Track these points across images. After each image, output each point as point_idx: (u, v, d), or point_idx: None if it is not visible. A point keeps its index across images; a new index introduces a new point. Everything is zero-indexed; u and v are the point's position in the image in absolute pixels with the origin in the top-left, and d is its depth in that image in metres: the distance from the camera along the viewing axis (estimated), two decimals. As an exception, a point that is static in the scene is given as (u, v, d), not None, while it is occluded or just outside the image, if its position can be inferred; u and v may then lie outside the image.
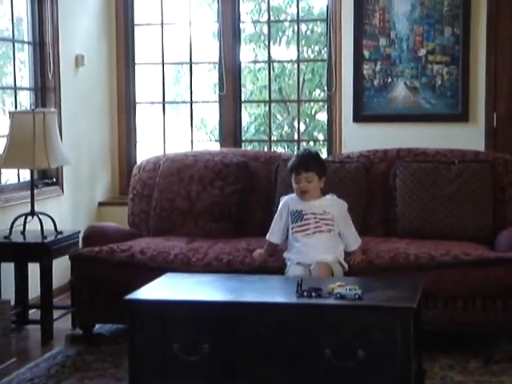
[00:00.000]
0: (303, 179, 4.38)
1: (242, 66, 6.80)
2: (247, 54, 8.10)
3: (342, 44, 6.19)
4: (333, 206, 4.42)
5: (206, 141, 7.88)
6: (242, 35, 6.89)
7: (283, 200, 4.51)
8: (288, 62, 8.15)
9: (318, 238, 4.35)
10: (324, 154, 6.23)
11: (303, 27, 8.03)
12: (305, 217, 4.38)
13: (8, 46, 5.61)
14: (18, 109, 5.56)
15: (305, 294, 3.43)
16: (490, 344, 4.52)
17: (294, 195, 4.48)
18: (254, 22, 7.97)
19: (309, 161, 4.42)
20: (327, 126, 6.50)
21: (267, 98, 6.94)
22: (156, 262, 4.59)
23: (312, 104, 8.63)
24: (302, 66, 7.96)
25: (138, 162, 5.86)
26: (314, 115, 8.64)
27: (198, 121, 7.78)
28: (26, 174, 5.52)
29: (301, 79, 7.21)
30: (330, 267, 4.21)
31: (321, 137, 8.16)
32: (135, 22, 6.67)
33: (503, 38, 5.95)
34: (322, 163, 4.50)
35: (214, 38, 6.68)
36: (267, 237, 4.52)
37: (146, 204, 5.27)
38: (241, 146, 6.61)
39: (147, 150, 6.70)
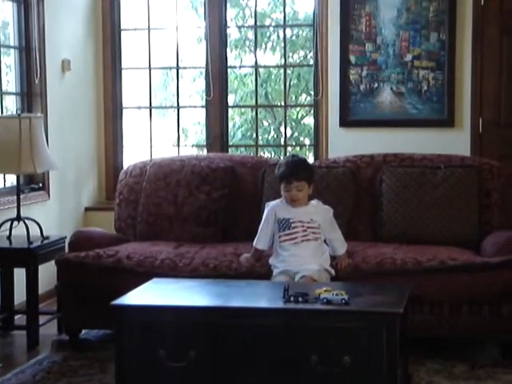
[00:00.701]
0: (294, 188, 4.35)
1: (229, 71, 6.80)
2: (233, 59, 8.11)
3: (328, 49, 6.20)
4: (319, 213, 4.42)
5: (185, 146, 7.86)
6: (228, 40, 6.89)
7: (269, 206, 4.50)
8: (274, 67, 8.17)
9: (305, 247, 4.34)
10: (310, 159, 6.24)
11: (289, 32, 8.05)
12: (292, 225, 4.36)
13: (-6, 51, 5.60)
14: (4, 114, 5.54)
15: (291, 299, 3.44)
16: (475, 349, 4.54)
17: (279, 201, 4.47)
18: (240, 28, 7.98)
19: (299, 169, 4.39)
20: (314, 131, 6.51)
21: (254, 103, 6.95)
22: (143, 267, 4.59)
23: (298, 109, 8.65)
24: (288, 71, 7.97)
25: (125, 166, 5.85)
26: (301, 120, 8.66)
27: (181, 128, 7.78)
28: (12, 179, 5.50)
29: (287, 84, 7.22)
30: (315, 279, 4.20)
31: (307, 142, 8.17)
32: (122, 27, 6.66)
33: (488, 44, 5.97)
34: (311, 170, 4.48)
35: (201, 43, 6.68)
36: (254, 243, 4.51)
37: (133, 209, 5.26)
38: (227, 151, 6.61)
39: (134, 154, 6.69)
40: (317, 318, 3.38)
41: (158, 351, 3.38)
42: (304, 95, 8.48)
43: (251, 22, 7.11)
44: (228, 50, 6.71)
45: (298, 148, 8.10)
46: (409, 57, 6.06)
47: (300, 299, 3.43)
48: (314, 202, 4.47)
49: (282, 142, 7.35)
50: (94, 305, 4.59)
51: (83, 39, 6.42)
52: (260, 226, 4.49)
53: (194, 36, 6.97)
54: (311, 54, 6.48)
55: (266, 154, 7.67)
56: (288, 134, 7.82)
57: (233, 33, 8.02)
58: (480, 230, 4.84)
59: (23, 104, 5.73)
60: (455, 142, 5.93)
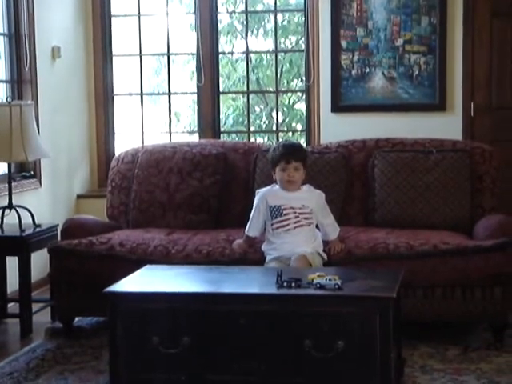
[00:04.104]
0: (292, 168, 4.35)
1: (220, 57, 6.78)
2: (224, 45, 8.09)
3: (319, 34, 6.18)
4: (311, 198, 4.42)
5: (180, 132, 7.85)
6: (219, 26, 6.87)
7: (259, 194, 4.49)
8: (265, 52, 8.15)
9: (298, 233, 4.35)
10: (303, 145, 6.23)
11: (280, 17, 8.02)
12: (284, 212, 4.36)
13: (-17, 38, 5.56)
14: (-5, 101, 5.51)
15: (284, 284, 3.44)
16: (468, 332, 4.56)
17: (270, 188, 4.46)
18: (231, 13, 7.96)
19: (297, 150, 4.44)
20: (305, 117, 6.50)
21: (245, 89, 6.93)
22: (135, 254, 4.58)
23: (290, 94, 8.64)
24: (280, 57, 7.95)
25: (117, 153, 5.84)
26: (293, 106, 8.65)
27: (172, 114, 7.77)
28: (3, 167, 5.48)
29: (279, 70, 7.20)
30: (309, 260, 4.21)
31: (299, 127, 8.17)
32: (112, 13, 6.63)
33: (480, 28, 5.97)
34: (306, 153, 4.54)
35: (192, 29, 6.66)
36: (246, 231, 4.50)
37: (125, 196, 5.25)
38: (219, 137, 6.60)
39: (126, 141, 6.67)
40: (310, 303, 3.39)
41: (152, 338, 3.38)
42: (296, 80, 8.47)
43: (243, 7, 7.06)
44: (220, 35, 6.69)
45: (290, 134, 8.10)
46: (400, 41, 6.06)
47: (293, 284, 3.43)
48: (305, 187, 4.46)
49: (274, 128, 7.34)
50: (87, 292, 4.58)
51: (73, 26, 6.39)
52: (251, 214, 4.48)
53: (185, 22, 6.94)
54: (303, 39, 6.46)
55: (257, 140, 7.66)
56: (280, 120, 7.82)
57: (224, 18, 7.99)
58: (472, 213, 4.85)
59: (13, 91, 5.70)
60: (447, 126, 5.94)
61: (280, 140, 6.72)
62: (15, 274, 4.85)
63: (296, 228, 4.36)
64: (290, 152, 4.37)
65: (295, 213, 4.37)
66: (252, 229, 4.48)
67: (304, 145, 6.24)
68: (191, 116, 7.69)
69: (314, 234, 4.42)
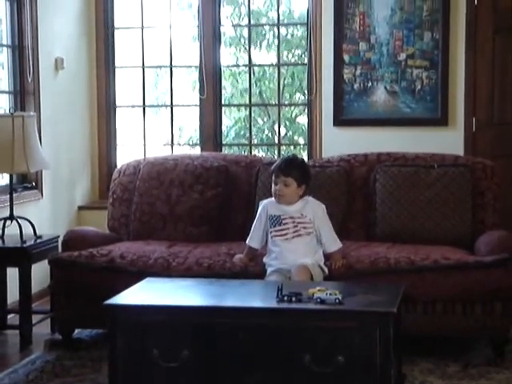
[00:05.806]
0: (281, 183, 4.38)
1: (223, 69, 6.79)
2: (227, 57, 8.10)
3: (322, 48, 6.19)
4: (309, 208, 4.43)
5: (183, 145, 7.85)
6: (222, 39, 6.88)
7: (262, 204, 4.52)
8: (268, 65, 8.16)
9: (297, 242, 4.36)
10: (304, 158, 6.22)
11: (283, 31, 8.05)
12: (283, 221, 4.38)
13: (-13, 49, 5.58)
14: (-3, 112, 5.52)
15: (285, 298, 3.43)
16: (469, 348, 4.55)
17: (272, 199, 4.48)
18: (235, 26, 7.98)
19: (289, 166, 4.41)
20: (307, 130, 6.51)
21: (248, 102, 6.94)
22: (136, 267, 4.58)
23: (292, 108, 8.65)
24: (283, 70, 7.97)
25: (118, 165, 5.85)
26: (295, 119, 8.66)
27: (176, 126, 7.77)
28: (4, 178, 5.48)
29: (281, 83, 7.21)
30: (310, 270, 4.22)
31: (301, 141, 8.17)
32: (115, 26, 6.65)
33: (482, 43, 5.98)
34: (304, 171, 4.48)
35: (195, 41, 6.67)
36: (247, 241, 4.52)
37: (126, 208, 5.26)
38: (221, 150, 6.61)
39: (127, 153, 6.68)
40: (310, 317, 3.38)
41: (152, 351, 3.37)
42: (298, 94, 8.48)
43: (247, 20, 7.09)
44: (223, 48, 6.70)
45: (291, 147, 8.10)
46: (402, 56, 6.07)
47: (293, 299, 3.42)
48: (305, 197, 4.46)
49: (276, 141, 7.34)
50: (87, 304, 4.58)
51: (76, 37, 6.41)
52: (253, 224, 4.50)
53: (188, 34, 6.96)
54: (306, 53, 6.47)
55: (259, 153, 7.67)
56: (282, 133, 7.82)
57: (228, 31, 8.01)
58: (473, 229, 4.84)
59: (16, 103, 5.71)
60: (449, 140, 5.94)
61: (282, 153, 6.74)
62: (15, 285, 4.84)
63: (294, 238, 4.37)
64: (281, 167, 4.40)
65: (294, 222, 4.38)
66: (253, 239, 4.50)
67: (306, 158, 6.24)
68: (193, 129, 7.69)
69: (315, 246, 4.42)
